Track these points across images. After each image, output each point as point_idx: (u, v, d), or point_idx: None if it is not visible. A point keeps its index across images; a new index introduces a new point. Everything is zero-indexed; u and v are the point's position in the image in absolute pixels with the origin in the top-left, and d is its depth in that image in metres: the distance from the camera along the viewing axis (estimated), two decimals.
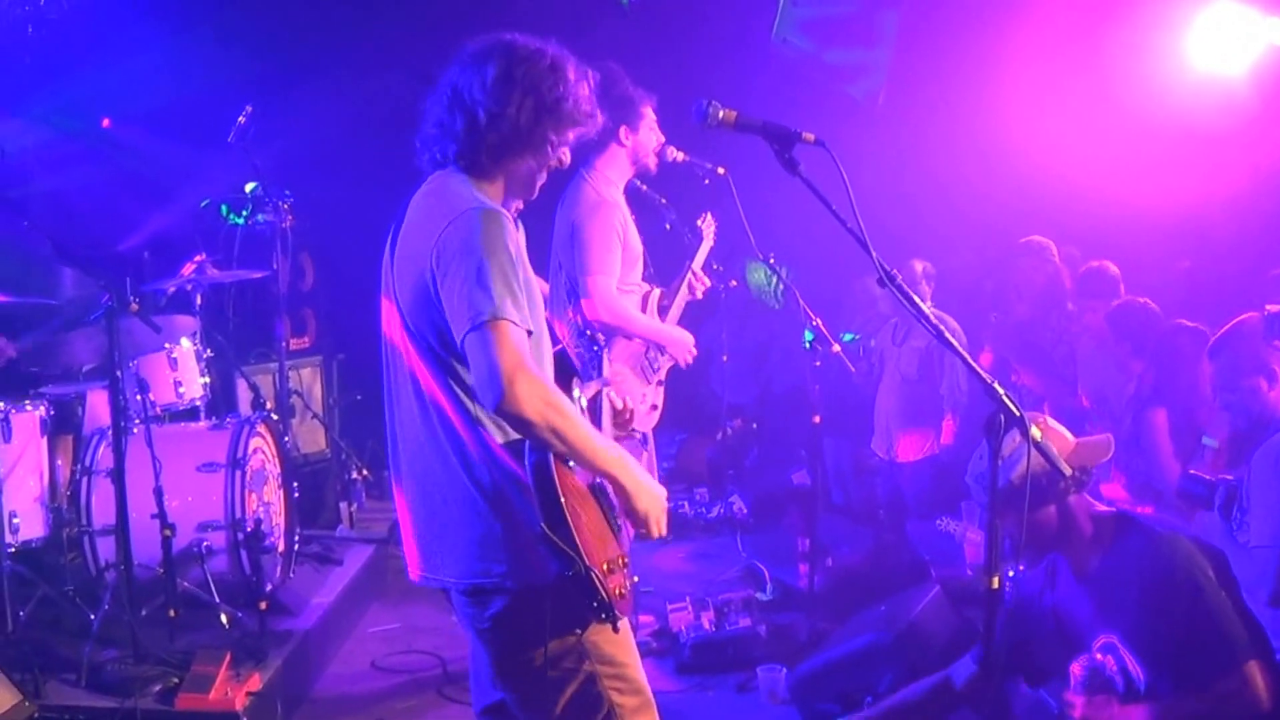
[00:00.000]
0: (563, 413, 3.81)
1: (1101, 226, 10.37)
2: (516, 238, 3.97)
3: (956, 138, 11.01)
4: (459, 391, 3.97)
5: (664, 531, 4.16)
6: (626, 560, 4.11)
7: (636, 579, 4.26)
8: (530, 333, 3.87)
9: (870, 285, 11.05)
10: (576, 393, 4.30)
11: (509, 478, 3.95)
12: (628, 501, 4.05)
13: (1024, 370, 9.32)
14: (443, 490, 4.06)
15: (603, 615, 3.96)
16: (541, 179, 4.31)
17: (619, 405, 4.75)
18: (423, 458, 4.11)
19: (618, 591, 3.97)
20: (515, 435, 3.91)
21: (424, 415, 4.07)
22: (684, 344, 7.58)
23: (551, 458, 3.83)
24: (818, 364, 8.14)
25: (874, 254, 4.05)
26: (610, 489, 4.08)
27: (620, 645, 4.19)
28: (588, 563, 3.84)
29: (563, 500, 3.82)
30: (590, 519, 3.97)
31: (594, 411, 4.43)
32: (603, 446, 3.98)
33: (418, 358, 4.04)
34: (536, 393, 3.73)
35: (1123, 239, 10.18)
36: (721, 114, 4.26)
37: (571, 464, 3.94)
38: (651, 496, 4.09)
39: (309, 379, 11.70)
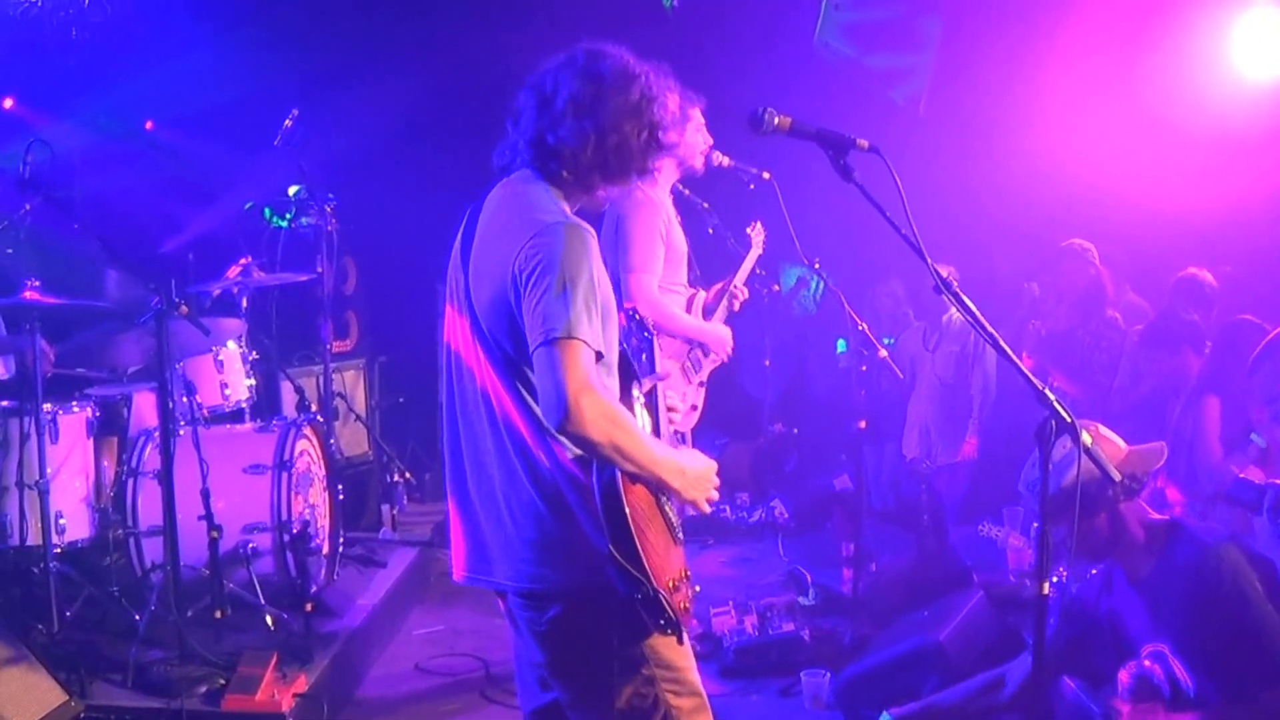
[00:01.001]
0: (626, 430, 3.82)
1: (1142, 231, 10.33)
2: (598, 255, 3.95)
3: (997, 142, 10.98)
4: (529, 399, 3.95)
5: (715, 498, 4.21)
6: (689, 573, 4.12)
7: (698, 589, 4.27)
8: (601, 355, 3.86)
9: (895, 289, 11.16)
10: (636, 393, 4.29)
11: (574, 486, 3.93)
12: (680, 497, 4.08)
13: (1060, 375, 9.27)
14: (506, 494, 4.04)
15: (669, 631, 3.97)
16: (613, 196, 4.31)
17: (672, 403, 4.76)
18: (488, 462, 4.09)
19: (682, 606, 3.99)
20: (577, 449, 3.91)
21: (491, 421, 4.05)
22: (724, 341, 7.64)
23: (619, 476, 3.83)
24: (864, 369, 8.13)
25: (928, 260, 4.04)
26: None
27: (677, 650, 4.17)
28: (655, 585, 3.85)
29: (631, 523, 3.81)
30: (656, 534, 3.97)
31: (651, 406, 4.43)
32: (661, 457, 3.97)
33: (489, 364, 4.01)
34: (601, 413, 3.73)
35: (1164, 244, 10.15)
36: (777, 120, 4.25)
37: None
38: (696, 486, 4.11)
39: (352, 381, 11.74)
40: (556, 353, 3.72)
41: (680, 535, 4.18)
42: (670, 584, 3.93)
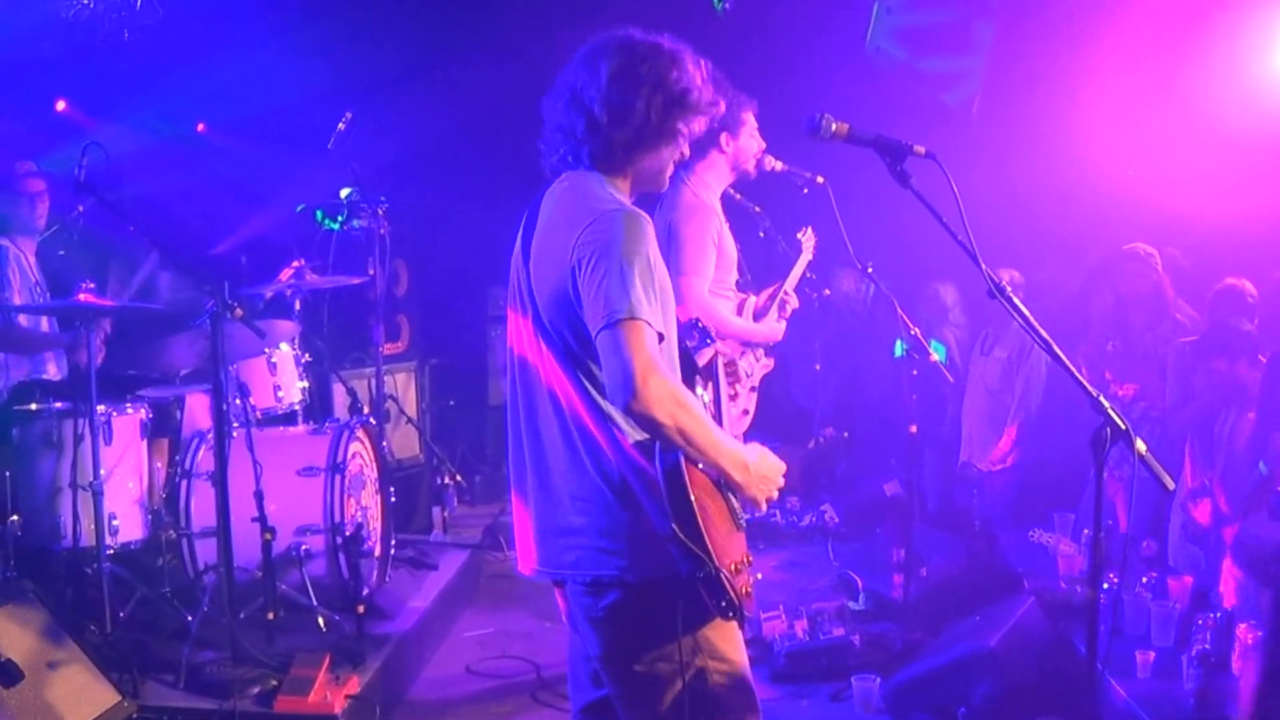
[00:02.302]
0: (692, 414, 3.84)
1: (1193, 237, 10.26)
2: (655, 241, 3.97)
3: (1045, 146, 10.93)
4: (591, 389, 3.97)
5: (774, 497, 4.22)
6: (751, 559, 4.14)
7: (760, 576, 4.28)
8: (662, 336, 3.88)
9: (942, 293, 11.15)
10: (699, 390, 4.30)
11: (637, 474, 3.94)
12: (741, 493, 4.09)
13: (1128, 381, 9.21)
14: (569, 484, 4.06)
15: (730, 614, 3.98)
16: (670, 170, 4.31)
17: (725, 354, 4.76)
18: (552, 456, 4.11)
19: (744, 590, 4.00)
20: (642, 433, 3.92)
21: (558, 415, 4.06)
22: (775, 334, 7.73)
23: (683, 458, 3.85)
24: (915, 373, 8.12)
25: (983, 266, 4.04)
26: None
27: (733, 642, 4.18)
28: (718, 564, 3.87)
29: (694, 502, 3.84)
30: (719, 517, 3.99)
31: (710, 374, 4.44)
32: (725, 446, 3.99)
33: (552, 359, 4.04)
34: (667, 394, 3.76)
35: (1215, 249, 10.08)
36: (834, 127, 4.26)
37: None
38: (760, 482, 4.12)
39: (403, 384, 11.77)
40: (621, 333, 3.75)
41: (742, 521, 4.19)
42: (733, 566, 3.96)
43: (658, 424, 3.77)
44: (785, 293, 7.88)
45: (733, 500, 4.15)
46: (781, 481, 4.22)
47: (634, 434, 3.96)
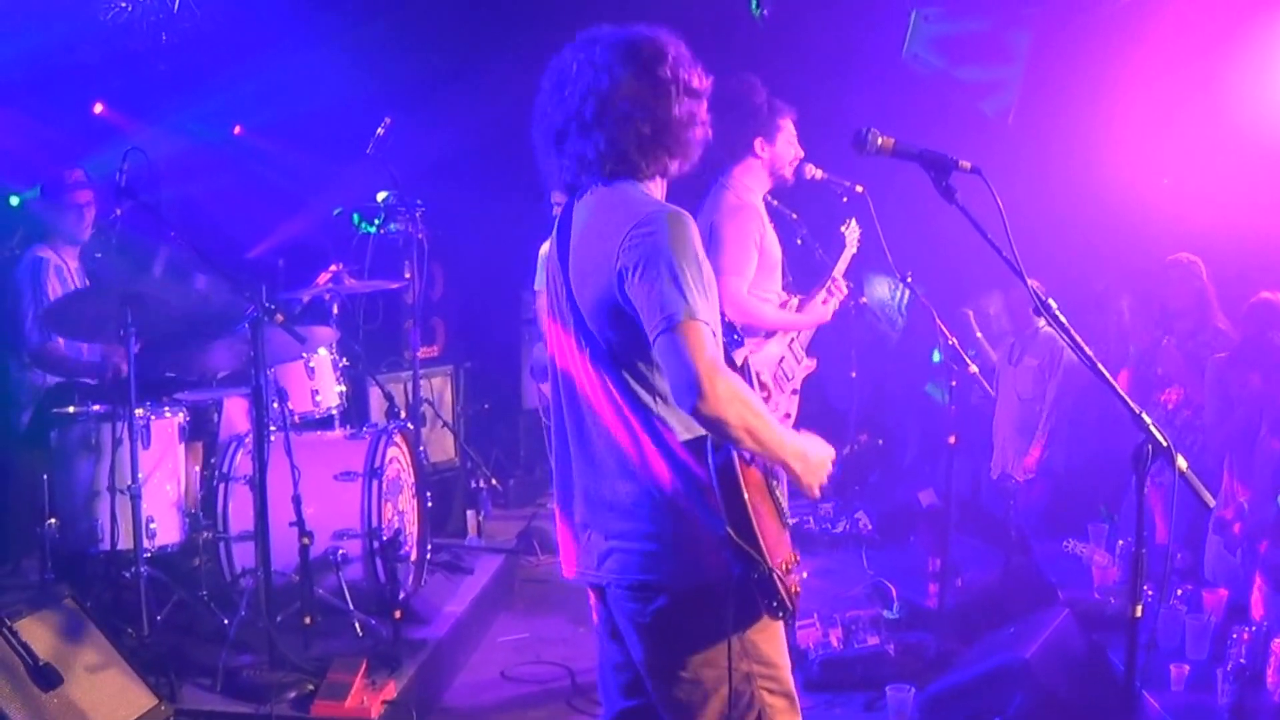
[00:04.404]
0: (756, 411, 3.83)
1: (1229, 249, 10.23)
2: (700, 239, 3.94)
3: (1080, 156, 10.91)
4: (639, 391, 3.96)
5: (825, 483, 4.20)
6: (799, 558, 4.13)
7: (805, 575, 4.28)
8: (716, 334, 3.87)
9: (985, 304, 11.14)
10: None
11: (685, 477, 3.93)
12: (798, 481, 4.07)
13: (1171, 386, 9.17)
14: (616, 489, 4.05)
15: (780, 614, 3.98)
16: (695, 155, 4.23)
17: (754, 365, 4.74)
18: (598, 460, 4.10)
19: (794, 589, 4.00)
20: (693, 433, 3.93)
21: (602, 422, 4.05)
22: (822, 316, 7.70)
23: (735, 457, 3.86)
24: (954, 383, 8.10)
25: (1028, 281, 4.03)
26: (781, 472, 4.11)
27: (776, 647, 4.19)
28: (771, 563, 3.86)
29: (748, 504, 3.84)
30: (769, 516, 3.99)
31: (745, 374, 4.43)
32: (787, 440, 3.99)
33: (595, 366, 4.02)
34: (733, 393, 3.75)
35: (1254, 262, 10.04)
36: (880, 141, 4.25)
37: (750, 458, 3.96)
38: (817, 468, 4.12)
39: (439, 388, 11.80)
40: (680, 337, 3.73)
41: (789, 519, 4.19)
42: (784, 565, 3.96)
43: (726, 424, 3.75)
44: (834, 279, 7.84)
45: (780, 499, 4.15)
46: (831, 467, 4.20)
47: (684, 433, 3.95)
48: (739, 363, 4.36)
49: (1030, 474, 10.43)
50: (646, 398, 3.97)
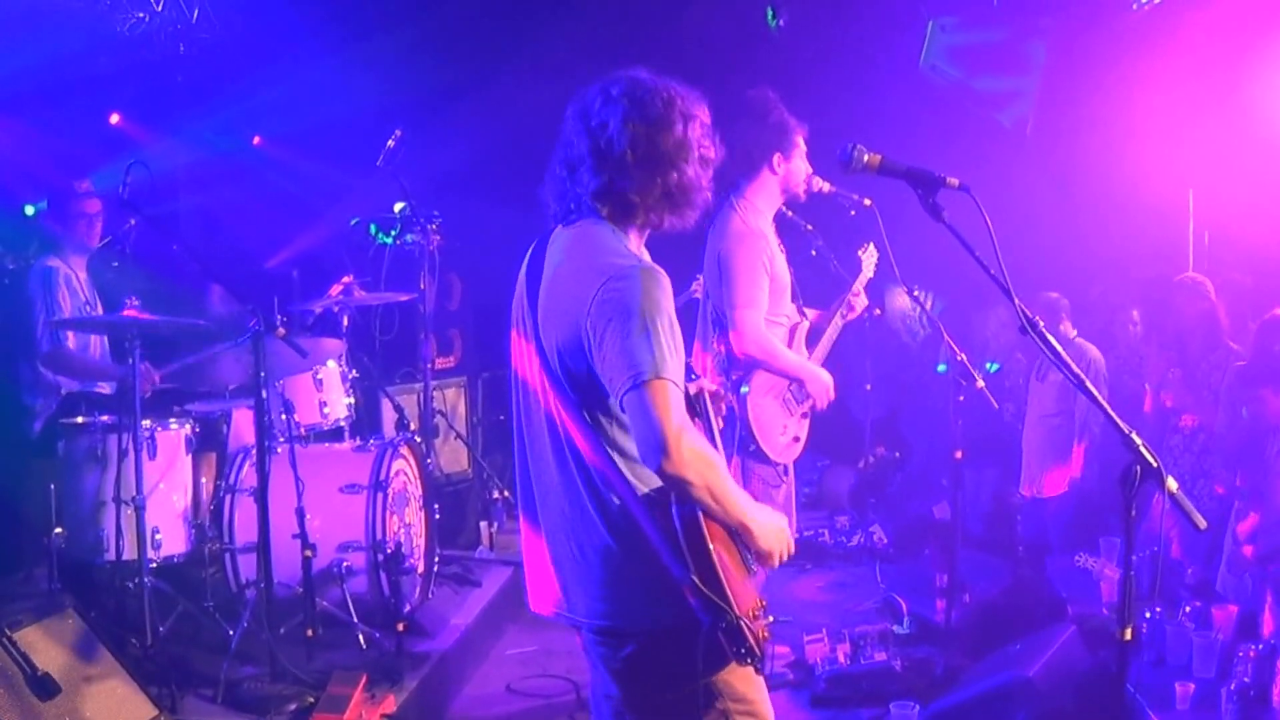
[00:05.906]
0: (718, 471, 3.84)
1: (1252, 258, 10.20)
2: (671, 295, 3.92)
3: (1098, 166, 10.88)
4: (601, 440, 3.95)
5: (786, 557, 4.19)
6: (765, 603, 4.11)
7: (772, 618, 4.26)
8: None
9: (1003, 316, 11.08)
10: None
11: (648, 518, 3.92)
12: (754, 544, 4.06)
13: (1187, 411, 9.11)
14: (576, 530, 4.04)
15: (748, 661, 3.96)
16: (692, 213, 4.21)
17: (710, 389, 4.70)
18: (559, 500, 4.09)
19: (762, 635, 3.98)
20: (654, 485, 3.91)
21: (560, 459, 4.05)
22: (824, 386, 7.43)
23: (700, 510, 3.85)
24: (961, 398, 8.06)
25: (1016, 301, 4.00)
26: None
27: (751, 683, 4.18)
28: (738, 612, 3.86)
29: (713, 553, 3.83)
30: (734, 566, 3.98)
31: (698, 408, 4.40)
32: (740, 499, 3.97)
33: (559, 403, 4.01)
34: (698, 454, 3.75)
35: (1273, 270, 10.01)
36: (866, 158, 4.23)
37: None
38: (775, 535, 4.12)
39: (453, 398, 11.80)
40: (648, 395, 3.72)
41: (754, 568, 4.16)
42: (750, 613, 3.94)
43: (689, 484, 3.76)
44: (855, 292, 7.77)
45: (743, 548, 4.12)
46: (790, 541, 4.21)
47: (642, 487, 3.94)
48: (692, 393, 4.35)
49: (1062, 488, 10.38)
50: (607, 447, 3.96)
